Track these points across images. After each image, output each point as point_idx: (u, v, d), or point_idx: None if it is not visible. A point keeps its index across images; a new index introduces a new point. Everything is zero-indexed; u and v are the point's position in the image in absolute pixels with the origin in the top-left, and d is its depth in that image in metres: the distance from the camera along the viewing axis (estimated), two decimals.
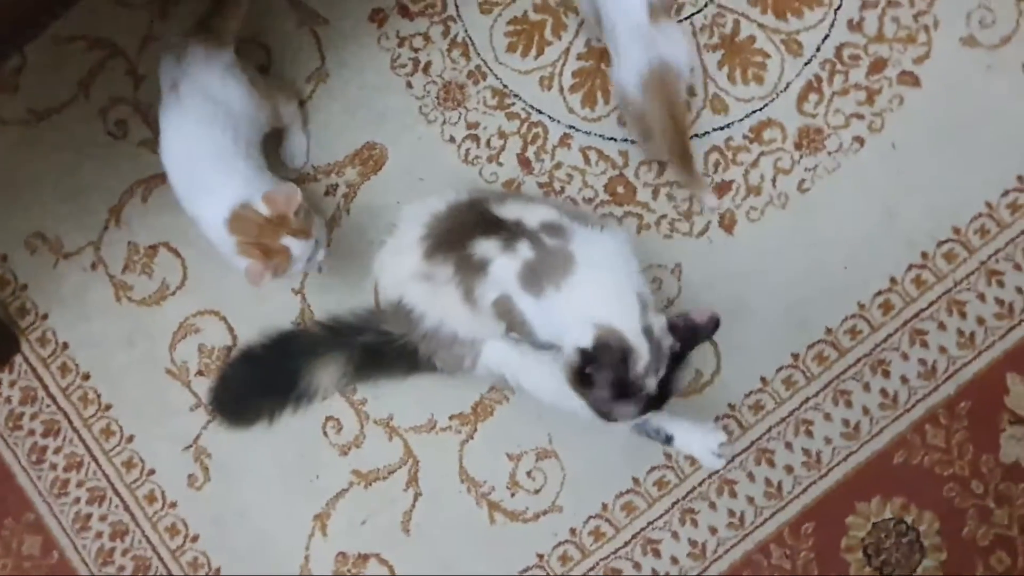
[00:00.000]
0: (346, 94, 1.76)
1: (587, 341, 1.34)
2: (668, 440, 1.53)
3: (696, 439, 1.52)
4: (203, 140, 1.52)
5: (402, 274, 1.49)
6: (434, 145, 1.75)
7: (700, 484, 1.68)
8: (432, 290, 1.46)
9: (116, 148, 1.77)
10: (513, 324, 1.45)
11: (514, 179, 1.73)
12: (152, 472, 1.74)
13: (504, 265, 1.41)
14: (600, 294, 1.37)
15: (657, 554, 1.68)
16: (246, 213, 1.46)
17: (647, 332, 1.34)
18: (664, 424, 1.51)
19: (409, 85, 1.76)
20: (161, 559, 1.73)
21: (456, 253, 1.43)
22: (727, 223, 1.70)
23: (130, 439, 1.75)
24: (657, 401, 1.38)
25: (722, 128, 1.71)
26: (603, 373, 1.33)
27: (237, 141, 1.54)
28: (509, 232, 1.41)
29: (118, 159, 1.77)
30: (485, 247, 1.42)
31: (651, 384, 1.35)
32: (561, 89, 1.74)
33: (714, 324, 1.36)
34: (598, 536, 1.69)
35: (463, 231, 1.44)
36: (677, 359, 1.37)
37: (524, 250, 1.40)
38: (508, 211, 1.44)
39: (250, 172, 1.54)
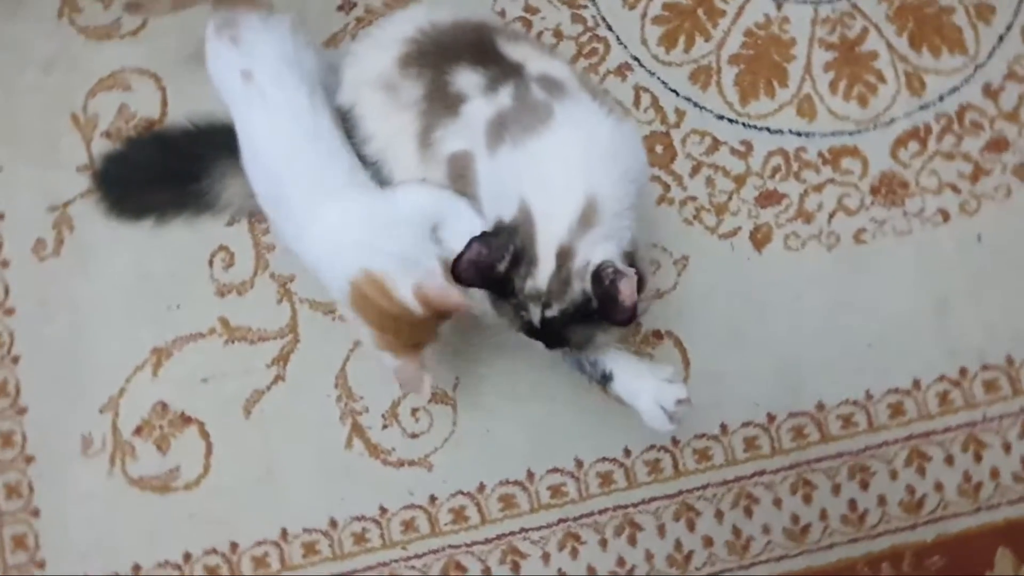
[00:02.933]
0: None
1: (509, 215, 1.05)
2: (604, 379, 1.18)
3: (646, 387, 1.16)
4: (309, 129, 1.20)
5: (366, 73, 1.21)
6: (477, 9, 1.47)
7: (600, 512, 1.36)
8: (389, 107, 1.18)
9: None
10: (463, 193, 1.16)
11: None
12: (1, 217, 1.43)
13: (478, 110, 1.12)
14: (548, 170, 1.06)
15: (516, 568, 1.35)
16: (378, 298, 1.11)
17: (562, 255, 1.03)
18: (604, 357, 1.17)
19: None
20: None
21: (433, 73, 1.15)
22: (759, 238, 1.41)
23: None
24: (540, 337, 1.08)
25: (800, 135, 1.44)
26: (479, 243, 1.03)
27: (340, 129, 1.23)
28: (500, 72, 1.13)
29: None
30: (468, 80, 1.13)
31: (534, 314, 1.05)
32: (644, 14, 1.47)
33: (628, 316, 1.02)
34: (459, 518, 1.36)
35: (453, 51, 1.16)
36: (585, 315, 1.05)
37: (504, 96, 1.11)
38: (515, 51, 1.16)
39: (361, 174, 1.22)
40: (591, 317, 1.05)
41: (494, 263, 1.03)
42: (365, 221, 1.18)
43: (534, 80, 1.11)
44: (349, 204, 1.18)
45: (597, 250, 1.04)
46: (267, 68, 1.20)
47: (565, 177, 1.05)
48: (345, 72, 1.24)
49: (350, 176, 1.20)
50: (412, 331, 1.13)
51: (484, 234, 1.05)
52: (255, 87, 1.19)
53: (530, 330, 1.08)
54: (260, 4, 1.24)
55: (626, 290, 1.00)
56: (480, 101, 1.12)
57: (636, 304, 1.00)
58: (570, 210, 1.03)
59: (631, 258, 1.06)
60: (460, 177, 1.14)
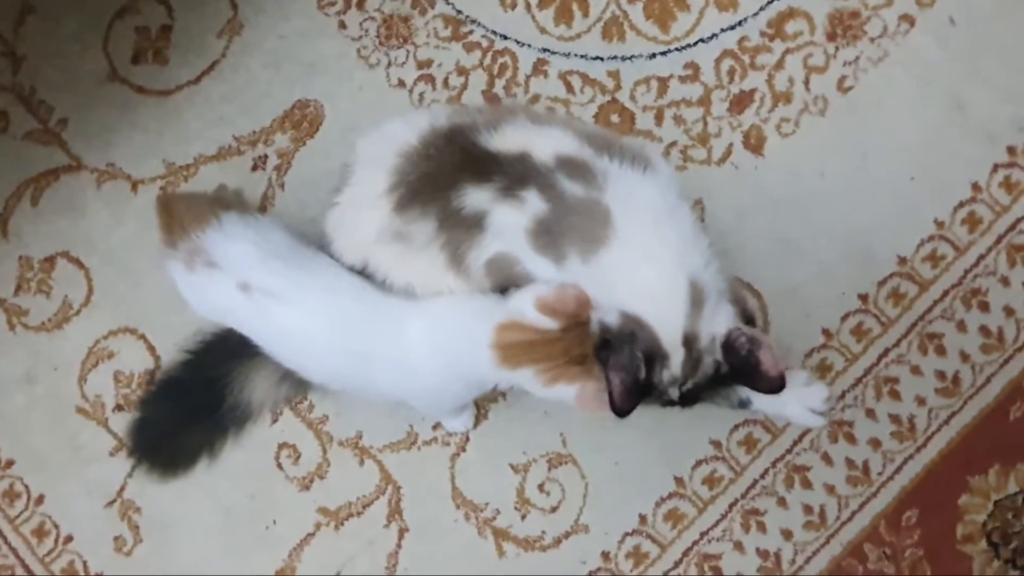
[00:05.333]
0: (266, 46, 1.43)
1: (612, 319, 1.03)
2: (743, 404, 1.18)
3: (787, 398, 1.18)
4: (330, 286, 1.16)
5: (366, 234, 1.13)
6: (380, 93, 1.41)
7: (762, 476, 1.30)
8: (408, 253, 1.11)
9: None
10: (513, 282, 1.10)
11: None
12: (70, 539, 1.38)
13: (506, 218, 1.06)
14: (641, 278, 1.03)
15: (719, 573, 1.29)
16: (523, 336, 1.05)
17: (689, 341, 1.01)
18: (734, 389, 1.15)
19: (342, 25, 1.43)
20: None
21: (438, 205, 1.08)
22: (754, 142, 1.35)
23: (39, 500, 1.39)
24: (677, 404, 1.07)
25: (732, 27, 1.37)
26: (616, 370, 1.01)
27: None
28: (509, 174, 1.06)
29: None
30: (478, 198, 1.06)
31: (673, 394, 1.04)
32: (528, 6, 1.40)
33: (779, 384, 1.01)
34: (639, 558, 1.31)
35: (445, 176, 1.08)
36: (719, 380, 1.05)
37: (534, 201, 1.05)
38: (506, 141, 1.08)
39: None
40: (716, 383, 1.04)
41: (637, 378, 1.01)
42: (448, 302, 1.13)
43: (553, 172, 1.04)
44: (419, 307, 1.13)
45: (717, 322, 1.02)
46: (255, 266, 1.14)
47: (659, 276, 1.02)
48: (337, 239, 1.17)
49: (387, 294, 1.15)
50: (566, 346, 1.06)
51: (611, 360, 1.01)
52: (258, 291, 1.13)
53: (666, 403, 1.06)
54: (209, 215, 1.18)
55: (767, 360, 1.00)
56: (503, 209, 1.06)
57: (783, 373, 0.99)
58: (679, 302, 1.01)
59: (741, 306, 1.06)
60: (506, 277, 1.09)
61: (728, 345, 1.02)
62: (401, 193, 1.10)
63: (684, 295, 1.01)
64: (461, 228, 1.08)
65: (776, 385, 1.00)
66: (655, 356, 1.02)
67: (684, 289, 1.01)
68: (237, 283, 1.14)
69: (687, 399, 1.06)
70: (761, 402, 1.19)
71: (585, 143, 1.08)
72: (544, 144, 1.07)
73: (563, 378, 1.06)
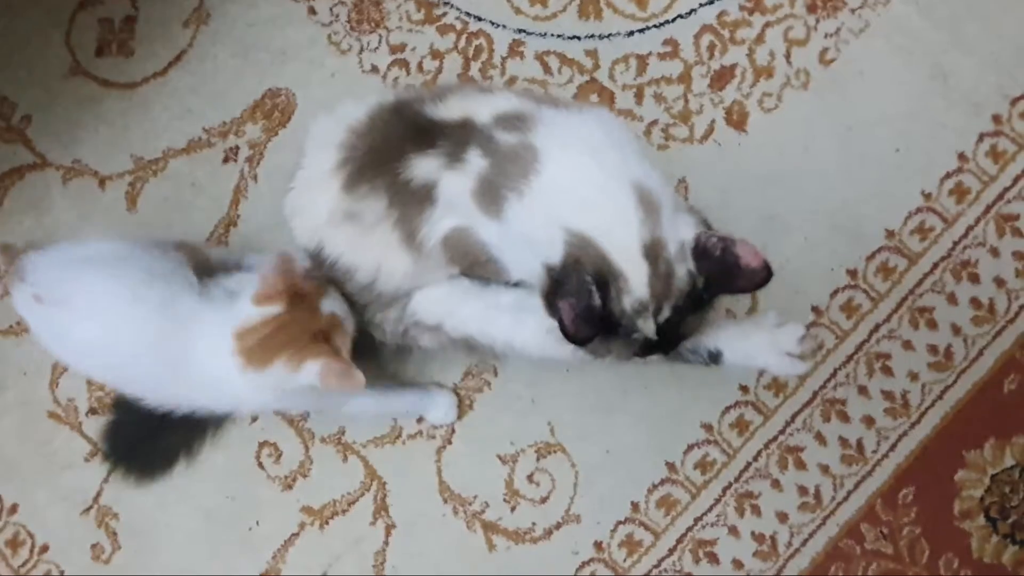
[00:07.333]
0: (234, 34, 1.40)
1: (556, 255, 0.94)
2: (714, 358, 1.12)
3: (760, 343, 1.12)
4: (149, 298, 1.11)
5: (318, 216, 1.09)
6: (353, 80, 1.38)
7: (755, 458, 1.28)
8: (360, 233, 1.07)
9: None
10: (474, 265, 1.06)
11: None
12: (45, 549, 1.33)
13: (454, 185, 1.01)
14: (573, 188, 0.95)
15: (714, 559, 1.27)
16: (259, 335, 1.04)
17: (650, 250, 0.92)
18: (704, 338, 1.09)
19: (312, 11, 1.40)
20: None
21: (387, 180, 1.04)
22: (736, 118, 1.32)
23: (13, 510, 1.34)
24: (658, 347, 0.98)
25: (711, 2, 1.35)
26: (564, 298, 0.92)
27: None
28: (453, 139, 1.01)
29: None
30: (425, 166, 1.02)
31: (647, 327, 0.95)
32: None
33: (764, 275, 0.92)
34: (633, 547, 1.28)
35: (392, 148, 1.04)
36: (697, 300, 0.96)
37: (475, 160, 1.00)
38: (450, 109, 1.04)
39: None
40: (699, 300, 0.95)
41: (590, 304, 0.92)
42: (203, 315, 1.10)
43: (493, 128, 1.00)
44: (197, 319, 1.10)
45: (681, 227, 0.94)
46: (47, 274, 1.11)
47: (598, 183, 0.94)
48: (292, 222, 1.13)
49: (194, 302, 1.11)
50: (302, 325, 1.04)
51: (554, 289, 0.94)
52: (49, 301, 1.10)
53: (646, 347, 0.97)
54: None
55: (746, 252, 0.91)
56: (450, 177, 1.01)
57: (766, 260, 0.91)
58: (628, 207, 0.92)
59: (700, 218, 1.00)
60: (464, 255, 1.05)
61: (700, 250, 0.94)
62: (349, 170, 1.07)
63: (631, 200, 0.93)
64: (412, 203, 1.04)
65: (762, 276, 0.92)
66: (607, 278, 0.93)
67: (629, 193, 0.93)
68: (32, 293, 1.10)
69: (667, 333, 0.96)
70: (732, 354, 1.13)
71: (527, 100, 1.04)
72: (486, 107, 1.03)
73: (308, 356, 1.03)
